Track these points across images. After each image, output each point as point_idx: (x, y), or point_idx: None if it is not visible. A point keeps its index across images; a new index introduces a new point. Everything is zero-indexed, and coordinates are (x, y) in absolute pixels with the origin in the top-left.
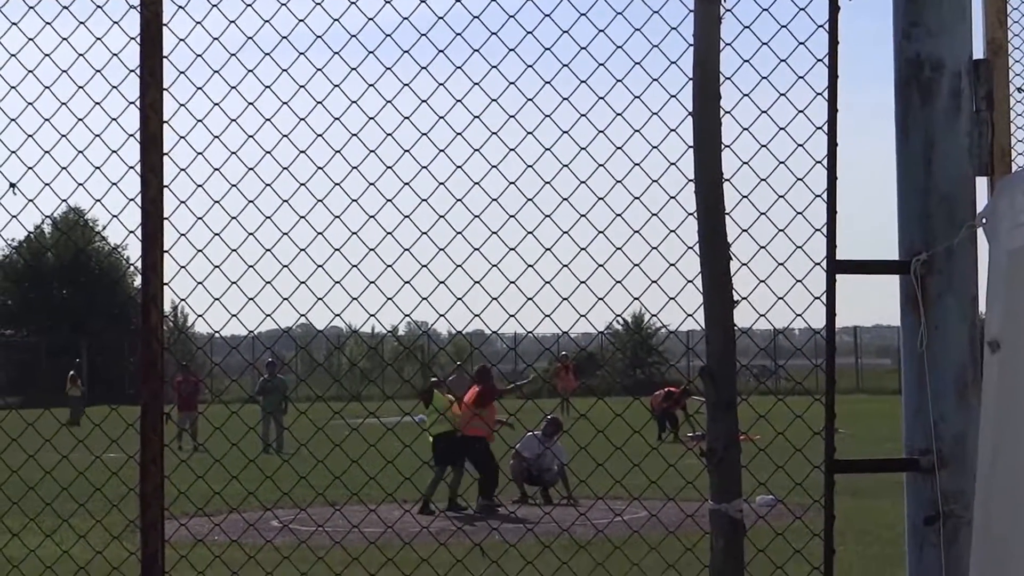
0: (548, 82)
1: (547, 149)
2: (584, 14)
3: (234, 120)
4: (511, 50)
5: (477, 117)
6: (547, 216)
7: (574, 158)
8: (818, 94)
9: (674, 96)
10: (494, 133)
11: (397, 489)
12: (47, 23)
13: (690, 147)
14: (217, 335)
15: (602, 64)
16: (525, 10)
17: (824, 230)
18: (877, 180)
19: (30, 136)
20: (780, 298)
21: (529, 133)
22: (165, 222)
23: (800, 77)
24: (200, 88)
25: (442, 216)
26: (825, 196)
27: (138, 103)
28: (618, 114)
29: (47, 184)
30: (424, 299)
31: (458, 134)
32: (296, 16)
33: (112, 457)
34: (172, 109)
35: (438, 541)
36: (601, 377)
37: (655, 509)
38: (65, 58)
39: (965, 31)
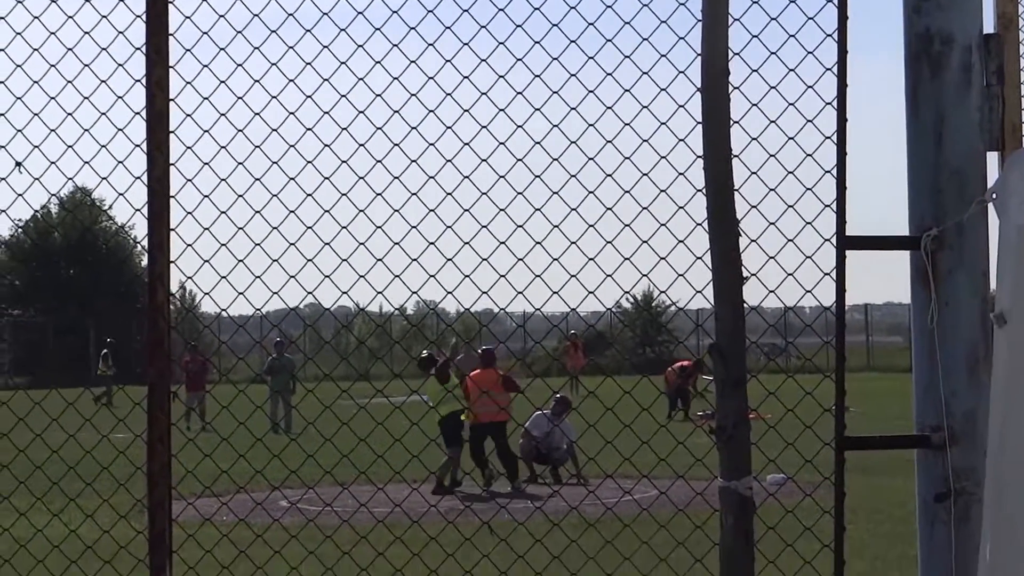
0: (556, 58)
1: (555, 126)
2: None
3: (240, 98)
4: (518, 26)
5: (484, 94)
6: (555, 193)
7: (582, 135)
8: (827, 69)
9: (682, 72)
10: (501, 110)
11: (405, 467)
12: (52, 1)
13: (699, 123)
14: (224, 314)
15: (610, 40)
16: None
17: (834, 206)
18: (886, 155)
19: (36, 115)
20: (790, 274)
21: (537, 110)
22: (171, 200)
23: (809, 52)
24: (206, 66)
25: (449, 193)
26: (835, 172)
27: (144, 81)
28: (626, 90)
29: (53, 163)
30: (432, 276)
31: (465, 111)
32: None
33: (119, 437)
34: (178, 87)
35: (447, 520)
36: (611, 356)
37: (664, 487)
38: (71, 36)
39: (975, 5)
